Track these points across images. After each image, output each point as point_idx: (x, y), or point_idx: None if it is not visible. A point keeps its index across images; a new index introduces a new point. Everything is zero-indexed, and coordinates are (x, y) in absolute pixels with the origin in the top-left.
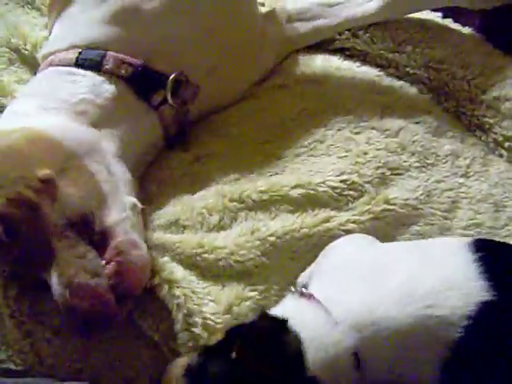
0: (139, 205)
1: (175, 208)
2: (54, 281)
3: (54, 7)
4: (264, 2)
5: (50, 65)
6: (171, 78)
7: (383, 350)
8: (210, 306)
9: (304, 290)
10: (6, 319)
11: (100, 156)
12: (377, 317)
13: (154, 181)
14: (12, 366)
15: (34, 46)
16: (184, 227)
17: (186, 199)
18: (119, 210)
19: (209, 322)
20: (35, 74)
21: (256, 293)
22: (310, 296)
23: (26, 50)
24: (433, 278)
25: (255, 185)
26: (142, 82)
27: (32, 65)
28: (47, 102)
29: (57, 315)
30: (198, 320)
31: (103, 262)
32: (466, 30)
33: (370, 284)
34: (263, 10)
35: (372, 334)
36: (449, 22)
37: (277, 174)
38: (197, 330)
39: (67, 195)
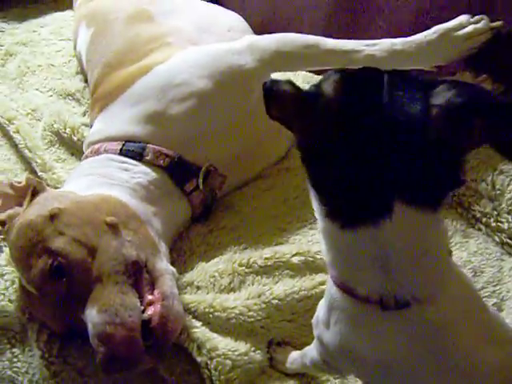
0: (176, 274)
1: (191, 272)
2: (93, 313)
3: (95, 105)
4: None
5: (98, 152)
6: (203, 169)
7: None
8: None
9: None
10: (37, 360)
11: (152, 227)
12: None
13: (175, 249)
14: None
15: (72, 130)
16: (198, 288)
17: (200, 265)
18: (167, 264)
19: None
20: (72, 154)
21: (262, 353)
22: None
23: (65, 133)
24: None
25: (261, 252)
26: (177, 172)
27: (69, 146)
28: (108, 180)
29: (82, 358)
30: (219, 353)
31: (144, 302)
32: None
33: None
34: None
35: None
36: None
37: (280, 243)
38: (221, 360)
39: (127, 241)
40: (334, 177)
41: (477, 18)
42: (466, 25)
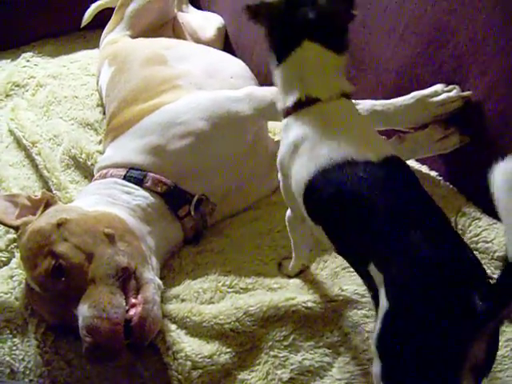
0: (162, 286)
1: (178, 287)
2: (85, 308)
3: (109, 134)
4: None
5: (105, 176)
6: (195, 197)
7: None
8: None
9: None
10: (33, 349)
11: (145, 243)
12: None
13: (167, 266)
14: None
15: (87, 156)
16: (182, 300)
17: (187, 282)
18: (154, 275)
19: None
20: (85, 177)
21: (227, 356)
22: None
23: (81, 158)
24: None
25: (244, 279)
26: (172, 198)
27: (83, 170)
28: (111, 199)
29: (72, 351)
30: (183, 354)
31: (129, 304)
32: (423, 168)
33: None
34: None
35: None
36: (415, 164)
37: (259, 273)
38: (182, 362)
39: (121, 250)
40: (281, 34)
41: (450, 87)
42: (441, 93)
